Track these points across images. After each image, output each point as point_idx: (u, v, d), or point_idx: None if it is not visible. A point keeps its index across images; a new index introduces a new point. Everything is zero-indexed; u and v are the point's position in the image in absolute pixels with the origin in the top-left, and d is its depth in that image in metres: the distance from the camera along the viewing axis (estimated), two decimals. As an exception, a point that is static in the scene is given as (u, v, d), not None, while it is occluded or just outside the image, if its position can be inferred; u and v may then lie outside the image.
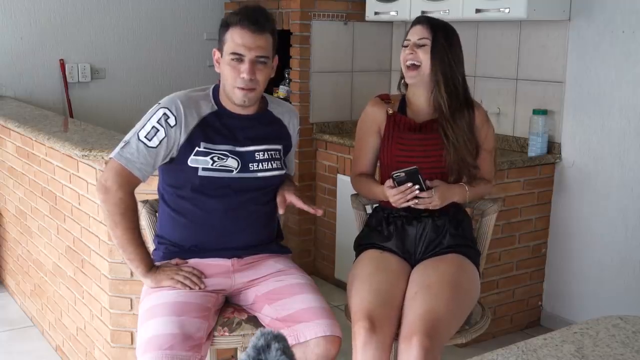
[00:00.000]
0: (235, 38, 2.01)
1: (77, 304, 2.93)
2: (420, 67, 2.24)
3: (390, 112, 2.32)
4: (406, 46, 2.28)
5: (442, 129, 2.25)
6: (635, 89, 3.11)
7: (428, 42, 2.24)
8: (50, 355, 3.20)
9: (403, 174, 2.13)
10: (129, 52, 4.53)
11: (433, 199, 2.16)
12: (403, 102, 2.35)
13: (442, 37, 2.24)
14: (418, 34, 2.26)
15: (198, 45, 4.74)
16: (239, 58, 2.01)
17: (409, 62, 2.26)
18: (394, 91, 2.57)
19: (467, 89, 2.32)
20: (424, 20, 2.29)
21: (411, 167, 2.13)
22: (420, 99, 2.31)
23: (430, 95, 2.28)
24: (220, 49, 2.07)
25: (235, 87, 2.03)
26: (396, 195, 2.15)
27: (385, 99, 2.38)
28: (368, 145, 2.36)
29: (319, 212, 2.12)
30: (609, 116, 3.22)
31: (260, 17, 2.04)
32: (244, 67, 2.01)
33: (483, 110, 2.36)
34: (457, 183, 2.27)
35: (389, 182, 2.18)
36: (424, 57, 2.24)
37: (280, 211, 2.17)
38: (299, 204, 2.15)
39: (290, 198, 2.15)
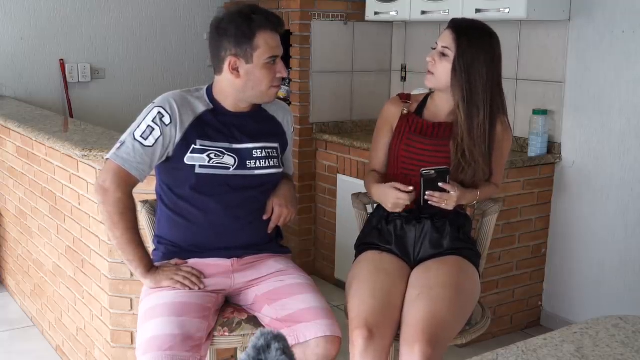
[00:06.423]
0: (270, 42, 2.03)
1: (77, 304, 2.93)
2: (435, 75, 2.21)
3: (405, 112, 2.30)
4: (434, 49, 2.23)
5: (459, 151, 2.18)
6: (635, 89, 3.11)
7: (450, 52, 2.16)
8: (50, 355, 3.20)
9: (433, 172, 2.11)
10: (129, 52, 4.53)
11: (450, 201, 2.14)
12: (424, 102, 2.32)
13: (466, 48, 2.14)
14: (443, 40, 2.19)
15: (198, 45, 4.74)
16: (274, 60, 2.05)
17: (428, 67, 2.22)
18: (395, 91, 2.55)
19: (497, 100, 2.20)
20: (452, 25, 2.20)
21: (442, 167, 2.12)
22: (441, 98, 2.26)
23: (450, 98, 2.22)
24: (248, 56, 2.02)
25: (272, 86, 2.07)
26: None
27: (404, 98, 2.35)
28: (380, 143, 2.35)
29: (270, 227, 2.15)
30: (609, 116, 3.22)
31: (277, 16, 2.09)
32: (279, 66, 2.07)
33: (504, 117, 2.26)
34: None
35: (394, 184, 2.16)
36: (441, 69, 2.18)
37: (264, 217, 2.15)
38: (274, 216, 2.14)
39: (274, 206, 2.15)
